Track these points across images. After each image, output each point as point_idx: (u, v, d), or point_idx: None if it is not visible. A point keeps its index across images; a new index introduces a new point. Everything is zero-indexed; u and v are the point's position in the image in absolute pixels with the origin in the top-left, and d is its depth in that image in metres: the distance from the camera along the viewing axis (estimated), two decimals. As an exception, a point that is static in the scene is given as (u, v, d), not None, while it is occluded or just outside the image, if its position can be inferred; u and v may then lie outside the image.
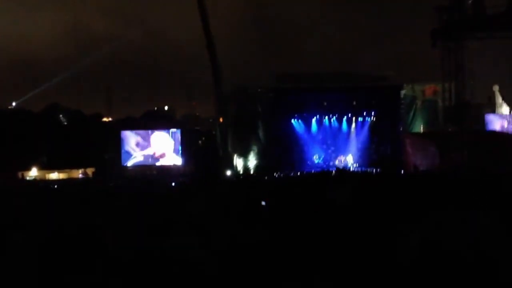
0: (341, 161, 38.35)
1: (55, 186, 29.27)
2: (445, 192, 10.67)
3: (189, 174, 38.51)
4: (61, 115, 50.84)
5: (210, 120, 55.86)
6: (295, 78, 38.99)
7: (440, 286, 5.39)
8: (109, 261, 6.43)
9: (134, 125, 45.83)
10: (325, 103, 38.50)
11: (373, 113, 38.41)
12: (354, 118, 38.86)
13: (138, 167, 42.54)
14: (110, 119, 60.08)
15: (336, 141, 39.17)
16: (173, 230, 7.86)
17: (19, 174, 41.44)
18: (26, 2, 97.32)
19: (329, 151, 39.17)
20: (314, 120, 39.01)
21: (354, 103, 38.26)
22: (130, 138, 43.08)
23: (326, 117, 38.97)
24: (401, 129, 38.33)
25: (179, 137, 43.65)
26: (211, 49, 37.34)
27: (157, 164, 43.16)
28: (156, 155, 43.20)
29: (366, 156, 38.71)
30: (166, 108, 74.08)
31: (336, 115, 38.88)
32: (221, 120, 39.16)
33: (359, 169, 36.05)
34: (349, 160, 38.76)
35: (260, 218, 9.04)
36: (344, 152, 39.03)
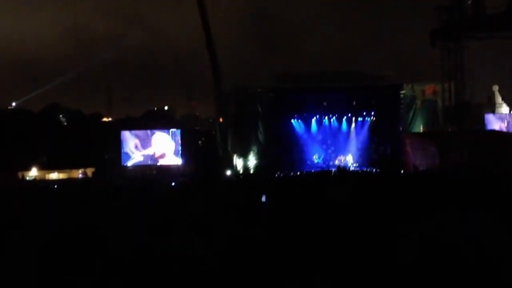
0: (341, 161, 38.34)
1: (55, 186, 29.21)
2: (445, 192, 10.67)
3: (189, 174, 38.48)
4: (61, 115, 50.95)
5: (210, 120, 55.98)
6: (295, 78, 38.98)
7: (440, 286, 5.39)
8: (109, 261, 6.42)
9: (134, 125, 45.83)
10: (325, 103, 38.53)
11: (373, 113, 38.45)
12: (354, 118, 38.90)
13: (138, 167, 42.57)
14: (110, 119, 60.16)
15: (336, 141, 39.20)
16: (173, 230, 7.85)
17: (19, 174, 41.44)
18: (26, 2, 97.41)
19: (329, 151, 39.20)
20: (314, 120, 39.05)
21: (354, 103, 38.29)
22: (129, 141, 43.06)
23: (326, 117, 39.03)
24: (401, 129, 38.31)
25: (179, 137, 43.67)
26: (211, 49, 37.34)
27: (157, 164, 43.22)
28: (156, 155, 43.22)
29: (366, 156, 38.73)
30: (166, 108, 74.25)
31: (336, 115, 38.93)
32: (221, 120, 39.14)
33: (359, 169, 36.02)
34: (349, 160, 38.77)
35: (260, 218, 9.04)
36: (344, 152, 39.05)
